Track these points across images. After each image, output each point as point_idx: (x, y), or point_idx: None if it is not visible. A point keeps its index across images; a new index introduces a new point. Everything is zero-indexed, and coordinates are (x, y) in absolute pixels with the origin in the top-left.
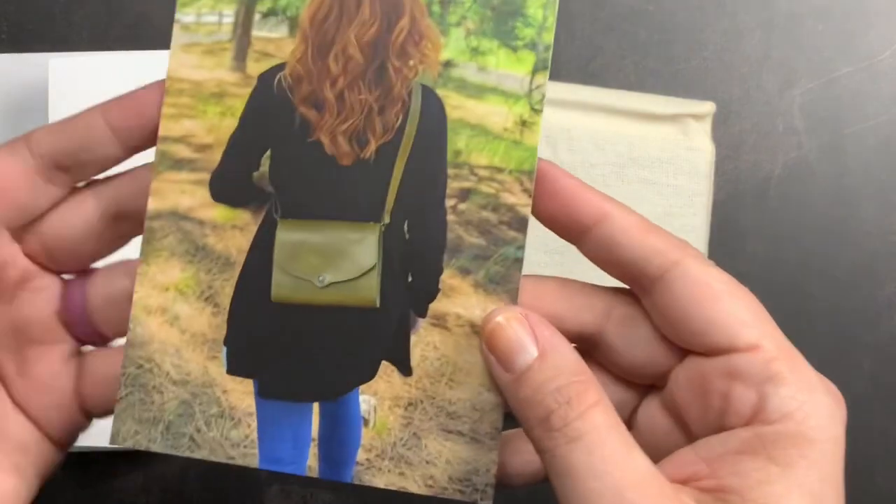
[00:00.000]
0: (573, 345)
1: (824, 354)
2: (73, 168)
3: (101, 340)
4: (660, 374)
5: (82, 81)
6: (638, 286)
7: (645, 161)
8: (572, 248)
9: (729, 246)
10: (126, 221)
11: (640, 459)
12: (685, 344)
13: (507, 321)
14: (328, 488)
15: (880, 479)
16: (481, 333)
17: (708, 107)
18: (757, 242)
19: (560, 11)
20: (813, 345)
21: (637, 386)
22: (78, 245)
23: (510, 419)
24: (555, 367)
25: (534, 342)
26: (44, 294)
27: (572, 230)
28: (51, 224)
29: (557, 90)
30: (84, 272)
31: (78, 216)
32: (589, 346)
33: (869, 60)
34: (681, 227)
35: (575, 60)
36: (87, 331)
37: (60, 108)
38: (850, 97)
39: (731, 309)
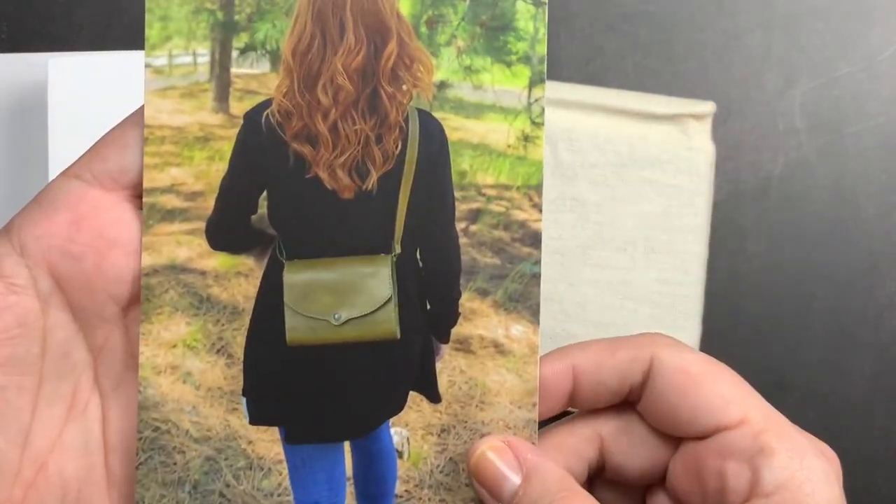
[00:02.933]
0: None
1: (824, 354)
2: None
3: None
4: (662, 470)
5: (82, 81)
6: (631, 398)
7: (645, 161)
8: (573, 248)
9: (729, 246)
10: None
11: None
12: (678, 433)
13: (490, 452)
14: None
15: (880, 479)
16: (467, 466)
17: (708, 107)
18: (757, 242)
19: (560, 11)
20: (813, 345)
21: (642, 488)
22: None
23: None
24: (539, 489)
25: (517, 468)
26: None
27: (561, 397)
28: None
29: (557, 90)
30: None
31: None
32: (598, 471)
33: (869, 60)
34: (681, 227)
35: (575, 60)
36: None
37: (60, 108)
38: (850, 97)
39: (712, 389)
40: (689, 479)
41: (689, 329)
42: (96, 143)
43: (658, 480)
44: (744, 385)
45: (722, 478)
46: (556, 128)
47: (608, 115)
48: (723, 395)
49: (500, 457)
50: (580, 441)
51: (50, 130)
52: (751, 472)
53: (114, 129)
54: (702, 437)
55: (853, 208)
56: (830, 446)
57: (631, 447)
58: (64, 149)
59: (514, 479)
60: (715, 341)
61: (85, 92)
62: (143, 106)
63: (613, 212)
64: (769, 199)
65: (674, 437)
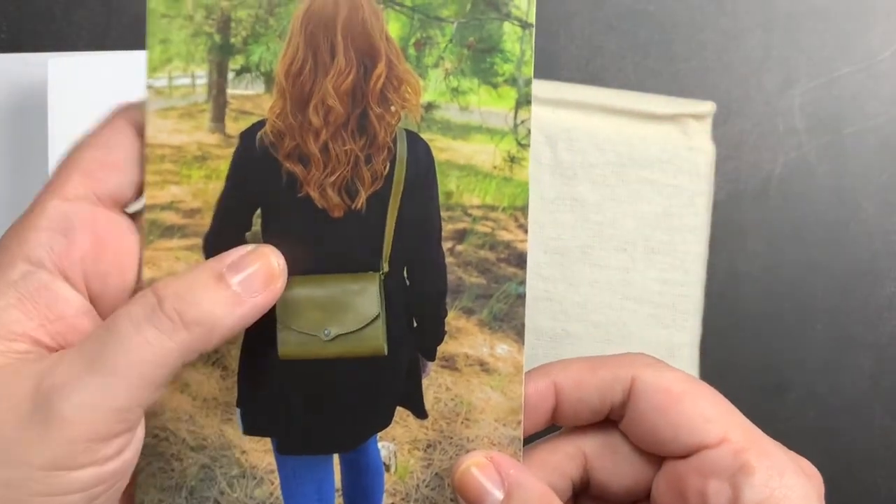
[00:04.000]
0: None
1: (824, 354)
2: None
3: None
4: (646, 488)
5: (82, 81)
6: (614, 416)
7: (645, 161)
8: (572, 249)
9: (729, 246)
10: None
11: None
12: (660, 452)
13: (473, 468)
14: None
15: (880, 479)
16: (451, 481)
17: (708, 107)
18: (757, 242)
19: (559, 11)
20: (813, 345)
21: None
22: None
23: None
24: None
25: (499, 484)
26: None
27: (541, 421)
28: None
29: (557, 90)
30: None
31: None
32: (582, 488)
33: (869, 60)
34: (681, 227)
35: (575, 60)
36: None
37: (60, 108)
38: (850, 97)
39: (693, 408)
40: (671, 498)
41: (689, 329)
42: (84, 153)
43: (642, 497)
44: (724, 403)
45: (703, 496)
46: (556, 128)
47: (608, 115)
48: (703, 413)
49: (483, 472)
50: (564, 458)
51: (50, 130)
52: (731, 491)
53: (98, 137)
54: (683, 455)
55: (853, 208)
56: (830, 446)
57: (614, 465)
58: (64, 149)
59: (497, 494)
60: (715, 341)
61: (85, 92)
62: (124, 109)
63: (613, 212)
64: (769, 199)
65: (656, 456)
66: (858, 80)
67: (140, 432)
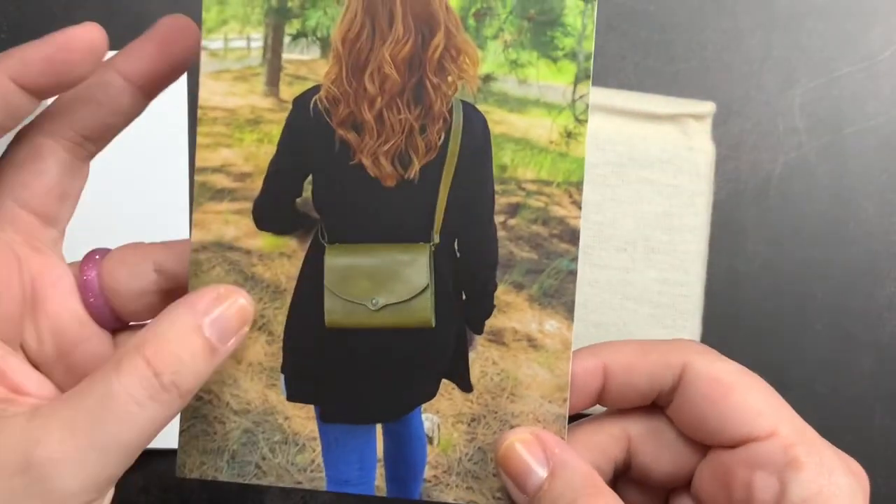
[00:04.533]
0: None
1: (824, 354)
2: (103, 137)
3: (126, 326)
4: (688, 475)
5: None
6: (661, 401)
7: (645, 161)
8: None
9: (729, 246)
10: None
11: None
12: (707, 441)
13: (518, 444)
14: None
15: (880, 479)
16: (495, 456)
17: (708, 107)
18: (757, 242)
19: None
20: (813, 345)
21: (667, 490)
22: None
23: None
24: (565, 484)
25: (543, 462)
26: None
27: (592, 393)
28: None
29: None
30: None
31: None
32: (623, 470)
33: (869, 60)
34: (681, 227)
35: None
36: (110, 320)
37: None
38: (850, 97)
39: (744, 400)
40: (715, 487)
41: (689, 329)
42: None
43: (683, 484)
44: (776, 397)
45: (749, 488)
46: None
47: (608, 115)
48: (754, 406)
49: (528, 449)
50: (608, 439)
51: None
52: (778, 485)
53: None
54: (731, 446)
55: (853, 208)
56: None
57: (658, 450)
58: None
59: (541, 472)
60: (715, 341)
61: None
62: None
63: (613, 212)
64: (769, 199)
65: (702, 444)
66: (858, 80)
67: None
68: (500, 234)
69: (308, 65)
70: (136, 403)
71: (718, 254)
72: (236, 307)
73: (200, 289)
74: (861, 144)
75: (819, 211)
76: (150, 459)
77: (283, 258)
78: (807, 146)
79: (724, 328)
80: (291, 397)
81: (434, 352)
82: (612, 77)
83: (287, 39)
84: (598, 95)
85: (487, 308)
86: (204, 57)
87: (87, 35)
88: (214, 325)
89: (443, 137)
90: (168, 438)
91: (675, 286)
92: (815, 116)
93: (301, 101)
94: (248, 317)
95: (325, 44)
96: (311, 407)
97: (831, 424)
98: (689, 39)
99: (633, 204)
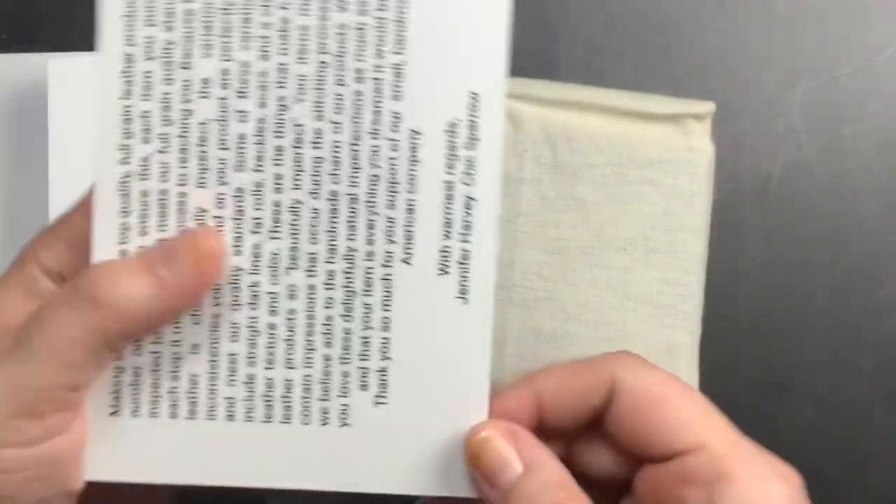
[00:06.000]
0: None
1: (824, 354)
2: None
3: None
4: (626, 485)
5: (82, 81)
6: (598, 419)
7: (645, 161)
8: (573, 249)
9: (729, 246)
10: None
11: None
12: (638, 455)
13: (492, 437)
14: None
15: (880, 479)
16: (465, 448)
17: (708, 107)
18: (757, 242)
19: (559, 11)
20: (813, 345)
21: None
22: None
23: None
24: (540, 483)
25: (518, 457)
26: None
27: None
28: None
29: (557, 90)
30: None
31: None
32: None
33: (869, 60)
34: (681, 227)
35: (575, 60)
36: None
37: (60, 108)
38: (850, 97)
39: (672, 412)
40: (649, 502)
41: (689, 329)
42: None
43: (622, 493)
44: (705, 407)
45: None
46: (557, 128)
47: (608, 115)
48: (682, 417)
49: (505, 442)
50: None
51: (50, 130)
52: (708, 500)
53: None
54: (661, 460)
55: (853, 208)
56: (830, 446)
57: (597, 464)
58: (64, 149)
59: (517, 466)
60: (715, 341)
61: (85, 92)
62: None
63: (614, 212)
64: (769, 199)
65: (637, 459)
66: (858, 80)
67: (81, 427)
68: None
69: None
70: (51, 307)
71: (718, 254)
72: (194, 246)
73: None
74: (861, 144)
75: (819, 211)
76: None
77: None
78: (807, 146)
79: (724, 328)
80: None
81: None
82: (612, 77)
83: None
84: (598, 95)
85: None
86: None
87: None
88: (165, 259)
89: None
90: None
91: (675, 286)
92: (815, 116)
93: None
94: (207, 255)
95: None
96: None
97: (831, 424)
98: (689, 39)
99: (634, 204)
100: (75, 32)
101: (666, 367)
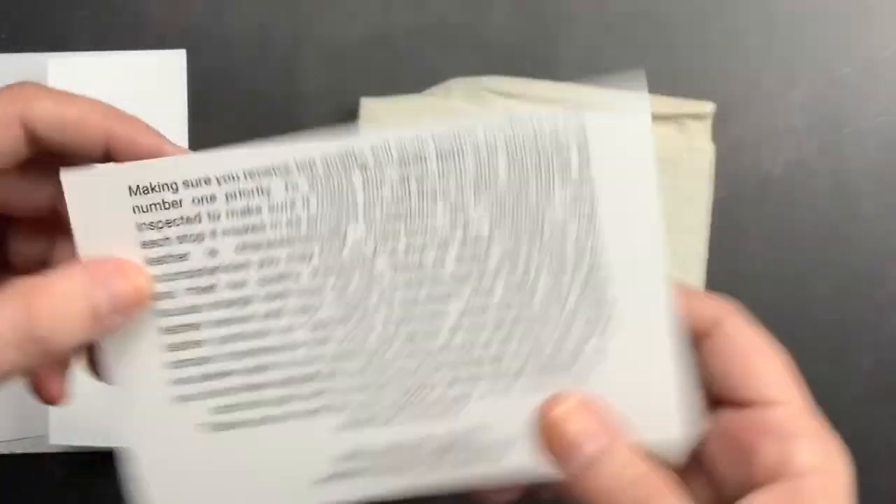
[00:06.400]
0: None
1: (824, 354)
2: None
3: None
4: None
5: (82, 82)
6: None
7: None
8: None
9: (729, 246)
10: None
11: None
12: (719, 396)
13: (569, 414)
14: None
15: (880, 478)
16: (541, 422)
17: (708, 107)
18: (757, 242)
19: (560, 11)
20: (813, 345)
21: None
22: None
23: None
24: (622, 463)
25: (596, 433)
26: None
27: None
28: None
29: (557, 90)
30: None
31: None
32: None
33: (869, 60)
34: (681, 227)
35: (575, 60)
36: None
37: None
38: (850, 97)
39: (763, 366)
40: (719, 445)
41: None
42: None
43: None
44: (793, 374)
45: (753, 450)
46: None
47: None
48: (774, 373)
49: (584, 416)
50: None
51: None
52: (782, 452)
53: None
54: (742, 406)
55: (853, 208)
56: None
57: None
58: None
59: (599, 440)
60: None
61: (85, 92)
62: None
63: None
64: (769, 199)
65: (711, 401)
66: (858, 80)
67: None
68: None
69: None
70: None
71: (718, 254)
72: (133, 285)
73: (105, 258)
74: (861, 144)
75: (819, 211)
76: None
77: None
78: (807, 146)
79: None
80: None
81: None
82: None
83: None
84: (598, 95)
85: None
86: None
87: None
88: (106, 296)
89: None
90: None
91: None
92: (815, 116)
93: None
94: (144, 299)
95: None
96: None
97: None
98: (689, 39)
99: None
100: (75, 32)
101: None
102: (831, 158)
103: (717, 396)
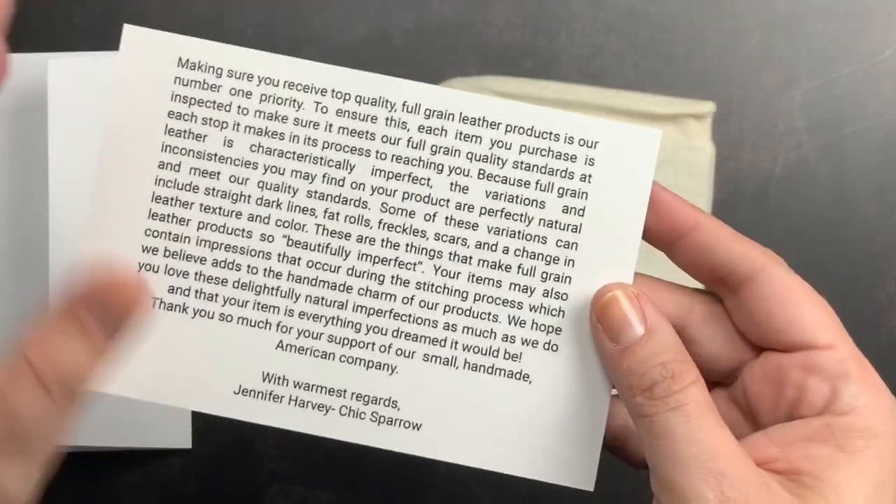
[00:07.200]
0: None
1: None
2: None
3: None
4: (731, 370)
5: (82, 81)
6: (725, 288)
7: None
8: None
9: None
10: None
11: (730, 436)
12: (765, 340)
13: (621, 296)
14: (329, 489)
15: None
16: (593, 305)
17: (708, 107)
18: (757, 242)
19: (560, 11)
20: None
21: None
22: None
23: None
24: (660, 344)
25: (642, 320)
26: None
27: (667, 238)
28: None
29: (557, 90)
30: None
31: None
32: None
33: (869, 60)
34: None
35: (575, 60)
36: None
37: (60, 108)
38: (850, 97)
39: (811, 311)
40: (766, 385)
41: None
42: None
43: (720, 378)
44: (838, 321)
45: (801, 390)
46: None
47: (608, 115)
48: (819, 319)
49: (630, 304)
50: (674, 307)
51: (50, 130)
52: (830, 391)
53: None
54: (788, 349)
55: (853, 208)
56: None
57: (713, 335)
58: (64, 149)
59: (640, 327)
60: None
61: (85, 92)
62: None
63: None
64: (769, 199)
65: (755, 343)
66: (858, 80)
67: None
68: None
69: None
70: (35, 420)
71: None
72: (123, 299)
73: (89, 276)
74: (861, 144)
75: (819, 211)
76: (150, 459)
77: None
78: (807, 146)
79: None
80: None
81: None
82: (612, 77)
83: None
84: (598, 95)
85: None
86: None
87: None
88: (98, 321)
89: None
90: (166, 439)
91: None
92: (815, 116)
93: None
94: (140, 306)
95: None
96: None
97: None
98: (689, 39)
99: None
100: (75, 32)
101: None
102: (831, 158)
103: (761, 339)
